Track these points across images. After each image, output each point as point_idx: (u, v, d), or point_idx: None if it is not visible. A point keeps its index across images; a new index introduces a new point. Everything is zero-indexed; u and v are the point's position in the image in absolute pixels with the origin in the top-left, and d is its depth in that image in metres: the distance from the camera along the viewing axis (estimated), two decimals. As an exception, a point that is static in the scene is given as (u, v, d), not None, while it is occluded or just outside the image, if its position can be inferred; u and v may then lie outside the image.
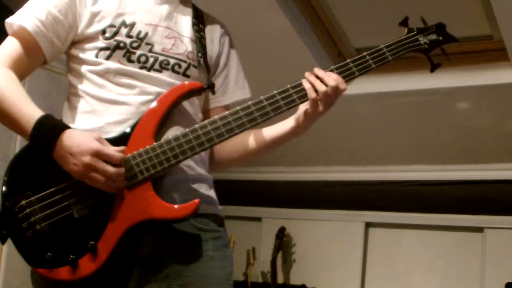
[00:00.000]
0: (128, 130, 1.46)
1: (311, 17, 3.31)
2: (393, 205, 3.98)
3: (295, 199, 4.27)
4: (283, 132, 1.60)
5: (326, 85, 1.49)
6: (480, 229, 3.75)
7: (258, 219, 4.43)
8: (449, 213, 3.82)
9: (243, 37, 2.98)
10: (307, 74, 1.51)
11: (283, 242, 4.13)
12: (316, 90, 1.49)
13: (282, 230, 4.14)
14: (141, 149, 1.43)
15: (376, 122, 3.72)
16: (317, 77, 1.50)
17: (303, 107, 1.54)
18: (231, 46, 1.72)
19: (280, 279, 4.15)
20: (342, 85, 1.51)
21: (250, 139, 1.63)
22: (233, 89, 1.68)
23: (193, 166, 1.53)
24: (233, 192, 4.32)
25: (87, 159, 1.35)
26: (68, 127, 1.41)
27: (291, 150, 3.89)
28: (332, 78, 1.49)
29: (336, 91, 1.50)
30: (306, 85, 1.50)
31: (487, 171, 3.72)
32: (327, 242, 4.17)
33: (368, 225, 4.11)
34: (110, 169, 1.36)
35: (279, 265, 4.14)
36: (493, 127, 3.49)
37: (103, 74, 1.51)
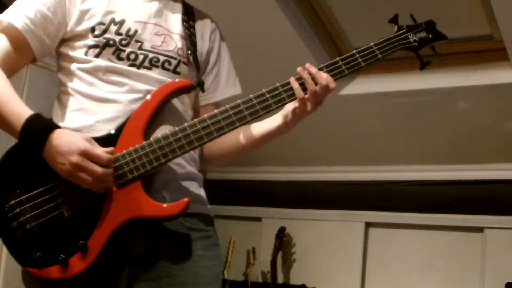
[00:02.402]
0: (113, 132, 1.45)
1: (311, 16, 3.31)
2: (393, 205, 3.98)
3: (295, 199, 4.27)
4: (270, 130, 1.59)
5: (316, 84, 1.48)
6: (480, 229, 3.75)
7: (258, 219, 4.43)
8: (449, 213, 3.81)
9: (242, 36, 2.98)
10: (299, 69, 1.50)
11: (283, 242, 4.13)
12: (305, 89, 1.49)
13: (282, 230, 4.14)
14: (130, 148, 1.43)
15: (376, 122, 3.72)
16: (310, 74, 1.49)
17: (291, 105, 1.53)
18: (222, 42, 1.71)
19: (280, 279, 4.16)
20: (332, 84, 1.50)
21: (239, 136, 1.63)
22: (224, 85, 1.68)
23: (183, 164, 1.53)
24: (233, 192, 4.32)
25: (75, 158, 1.35)
26: (58, 127, 1.41)
27: (291, 150, 3.90)
28: (323, 77, 1.49)
29: (325, 91, 1.49)
30: (294, 85, 1.49)
31: (487, 171, 3.72)
32: (327, 242, 4.17)
33: (368, 225, 4.11)
34: (98, 169, 1.36)
35: (279, 265, 4.14)
36: (493, 127, 3.48)
37: (92, 72, 1.51)
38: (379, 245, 4.08)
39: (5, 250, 2.94)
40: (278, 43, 3.26)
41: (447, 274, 3.83)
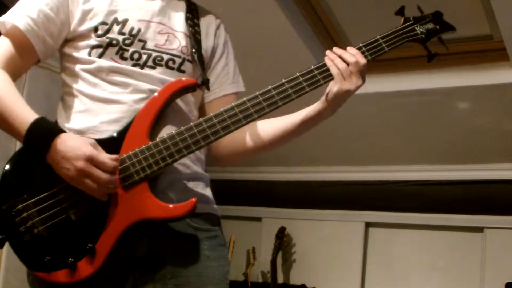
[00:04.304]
0: (118, 133, 1.44)
1: (311, 16, 3.31)
2: (393, 205, 3.98)
3: (295, 199, 4.27)
4: (311, 114, 1.53)
5: (346, 62, 1.47)
6: (480, 229, 3.76)
7: (258, 219, 4.43)
8: (449, 213, 3.82)
9: (242, 36, 2.98)
10: (327, 52, 1.50)
11: (283, 242, 4.14)
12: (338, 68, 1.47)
13: (282, 230, 4.15)
14: (136, 149, 1.41)
15: (376, 122, 3.72)
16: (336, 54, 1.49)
17: (331, 86, 1.49)
18: (227, 38, 1.69)
19: (280, 279, 4.16)
20: (362, 59, 1.48)
21: (267, 130, 1.59)
22: (232, 80, 1.66)
23: (189, 164, 1.51)
24: (233, 192, 4.32)
25: (80, 164, 1.33)
26: (63, 131, 1.40)
27: (291, 150, 3.89)
28: (351, 54, 1.48)
29: (357, 66, 1.47)
30: (328, 61, 1.48)
31: (487, 171, 3.72)
32: (327, 242, 4.17)
33: (368, 225, 4.11)
34: (103, 175, 1.34)
35: (279, 265, 4.14)
36: (493, 127, 3.48)
37: (96, 72, 1.50)
38: (379, 245, 4.09)
39: (5, 250, 2.96)
40: (278, 43, 3.26)
41: (447, 274, 3.83)
